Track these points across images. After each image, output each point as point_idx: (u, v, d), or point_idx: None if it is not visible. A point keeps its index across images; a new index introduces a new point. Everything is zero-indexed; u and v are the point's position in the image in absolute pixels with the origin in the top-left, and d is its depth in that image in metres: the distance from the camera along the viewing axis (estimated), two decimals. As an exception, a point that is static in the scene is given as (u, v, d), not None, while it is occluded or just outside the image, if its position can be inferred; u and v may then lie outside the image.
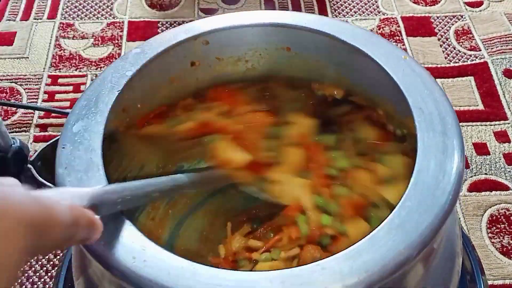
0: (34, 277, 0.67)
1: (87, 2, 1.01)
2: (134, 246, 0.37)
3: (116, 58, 0.90)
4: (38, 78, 0.89)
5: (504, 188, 0.74)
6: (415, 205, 0.38)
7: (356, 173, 0.51)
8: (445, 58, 0.91)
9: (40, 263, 0.68)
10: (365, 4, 1.00)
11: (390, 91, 0.46)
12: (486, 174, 0.76)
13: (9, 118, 0.83)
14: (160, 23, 0.97)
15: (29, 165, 0.39)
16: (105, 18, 0.99)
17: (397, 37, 0.94)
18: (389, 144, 0.52)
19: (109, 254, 0.37)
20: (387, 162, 0.51)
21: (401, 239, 0.36)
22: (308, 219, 0.50)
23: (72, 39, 0.95)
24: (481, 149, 0.79)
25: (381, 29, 0.96)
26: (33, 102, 0.86)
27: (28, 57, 0.92)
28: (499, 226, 0.71)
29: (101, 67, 0.90)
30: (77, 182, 0.40)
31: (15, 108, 0.84)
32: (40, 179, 0.39)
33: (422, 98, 0.44)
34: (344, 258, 0.36)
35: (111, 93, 0.46)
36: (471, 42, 0.93)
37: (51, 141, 0.44)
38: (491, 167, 0.76)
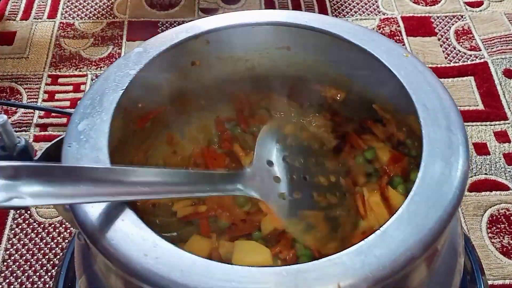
0: (34, 277, 0.67)
1: (87, 2, 1.01)
2: (145, 243, 0.37)
3: (116, 58, 0.90)
4: (38, 78, 0.89)
5: (504, 188, 0.74)
6: (424, 200, 0.38)
7: (369, 199, 0.50)
8: (445, 58, 0.91)
9: (40, 263, 0.68)
10: (365, 4, 1.00)
11: (393, 89, 0.46)
12: (486, 174, 0.76)
13: (9, 117, 0.83)
14: (160, 23, 0.97)
15: (34, 164, 0.39)
16: (105, 18, 0.99)
17: (397, 37, 0.94)
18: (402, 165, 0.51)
19: (120, 252, 0.36)
20: (400, 186, 0.50)
21: (412, 233, 0.36)
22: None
23: (72, 38, 0.95)
24: (481, 149, 0.79)
25: (381, 29, 0.95)
26: (33, 101, 0.85)
27: (28, 57, 0.92)
28: (499, 226, 0.71)
29: (101, 67, 0.90)
30: None
31: (15, 108, 0.84)
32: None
33: (425, 94, 0.44)
34: (356, 253, 0.36)
35: (115, 91, 0.46)
36: (471, 42, 0.93)
37: (55, 140, 0.44)
38: (491, 167, 0.76)
